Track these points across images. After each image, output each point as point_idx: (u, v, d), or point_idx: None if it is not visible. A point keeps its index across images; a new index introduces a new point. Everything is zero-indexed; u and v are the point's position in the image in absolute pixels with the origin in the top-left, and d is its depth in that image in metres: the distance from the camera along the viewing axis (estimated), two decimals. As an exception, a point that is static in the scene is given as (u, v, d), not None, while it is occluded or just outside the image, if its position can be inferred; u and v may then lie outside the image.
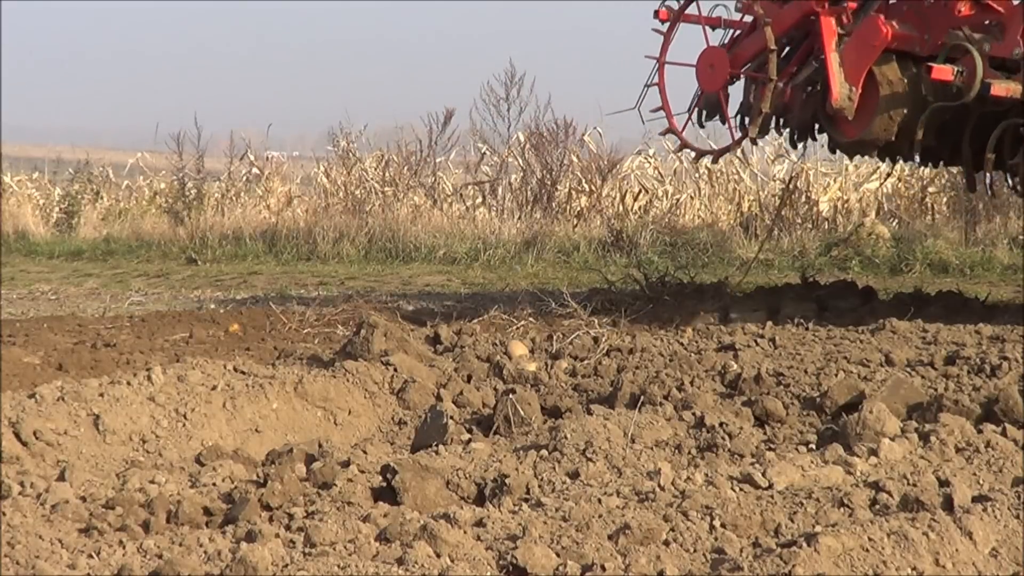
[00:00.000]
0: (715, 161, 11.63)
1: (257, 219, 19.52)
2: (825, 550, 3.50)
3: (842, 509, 4.06)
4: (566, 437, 5.07)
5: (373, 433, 6.36)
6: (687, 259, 15.36)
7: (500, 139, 20.56)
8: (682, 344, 7.85)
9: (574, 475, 4.71)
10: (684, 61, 10.02)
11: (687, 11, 10.08)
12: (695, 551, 3.77)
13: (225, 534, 4.01)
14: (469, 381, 6.97)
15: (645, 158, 20.91)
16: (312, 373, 6.66)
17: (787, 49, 9.71)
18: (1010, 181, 10.00)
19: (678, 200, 19.72)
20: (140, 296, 13.82)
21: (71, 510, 4.27)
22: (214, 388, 6.18)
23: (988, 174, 9.37)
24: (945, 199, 18.51)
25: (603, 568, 3.55)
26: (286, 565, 3.60)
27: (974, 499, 4.09)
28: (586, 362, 7.31)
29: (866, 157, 11.05)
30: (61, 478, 4.73)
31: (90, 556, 3.81)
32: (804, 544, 3.54)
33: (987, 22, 8.84)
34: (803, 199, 18.79)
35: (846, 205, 18.97)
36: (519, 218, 18.61)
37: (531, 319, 9.75)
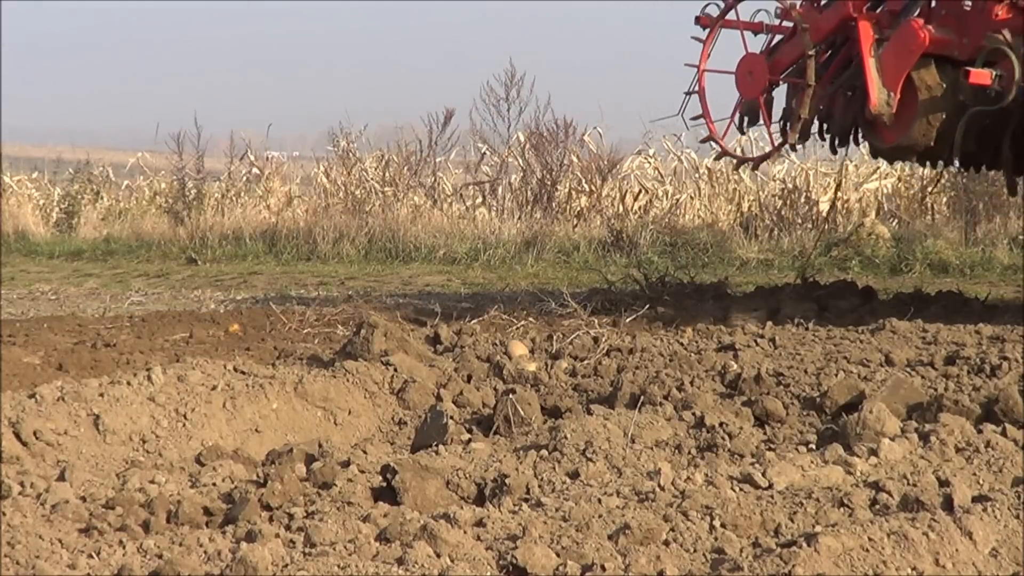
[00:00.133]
0: (755, 168, 11.57)
1: (257, 219, 19.51)
2: (825, 550, 3.50)
3: (842, 509, 4.06)
4: (566, 437, 5.07)
5: (373, 433, 6.36)
6: (687, 259, 15.36)
7: (500, 139, 20.56)
8: (682, 344, 7.85)
9: (574, 475, 4.71)
10: (723, 68, 10.03)
11: (727, 17, 10.06)
12: (695, 551, 3.77)
13: (225, 534, 4.01)
14: (469, 381, 6.96)
15: (645, 158, 20.91)
16: (312, 373, 6.66)
17: (828, 54, 9.69)
18: None
19: (678, 200, 19.72)
20: (140, 296, 13.82)
21: (71, 510, 4.27)
22: (214, 388, 6.18)
23: None
24: (945, 199, 18.51)
25: (603, 568, 3.55)
26: (286, 565, 3.60)
27: (974, 499, 4.09)
28: (586, 362, 7.31)
29: (895, 160, 11.02)
30: (61, 478, 4.73)
31: (90, 556, 3.81)
32: (804, 544, 3.54)
33: None
34: (803, 199, 18.79)
35: (846, 205, 18.96)
36: (519, 218, 18.60)
37: (531, 319, 9.75)
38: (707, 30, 10.11)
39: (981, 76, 8.68)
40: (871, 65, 9.16)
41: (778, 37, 9.93)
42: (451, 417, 5.84)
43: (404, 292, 13.57)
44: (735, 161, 10.76)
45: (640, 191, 20.14)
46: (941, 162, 10.13)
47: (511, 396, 5.99)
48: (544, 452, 4.99)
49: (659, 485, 4.32)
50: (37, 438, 5.43)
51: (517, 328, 9.19)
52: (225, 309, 11.98)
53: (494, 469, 4.69)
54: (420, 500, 4.43)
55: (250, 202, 20.90)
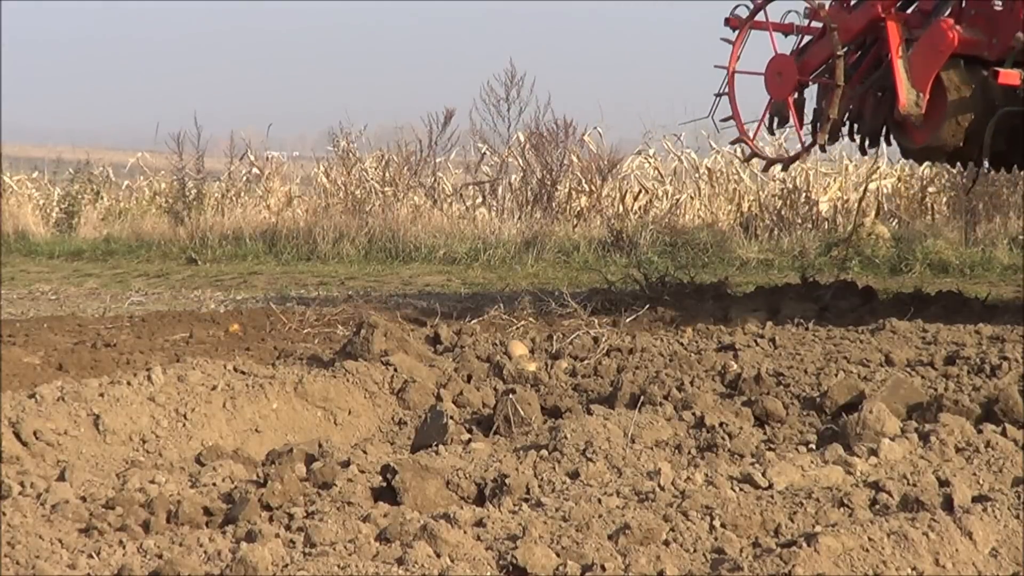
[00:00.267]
0: (784, 169, 11.52)
1: (257, 219, 19.51)
2: (825, 550, 3.50)
3: (842, 509, 4.06)
4: (566, 437, 5.07)
5: (373, 433, 6.36)
6: (687, 259, 15.36)
7: (500, 139, 20.57)
8: (682, 344, 7.85)
9: (574, 475, 4.71)
10: (752, 69, 10.02)
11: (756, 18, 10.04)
12: (695, 551, 3.77)
13: (225, 534, 4.01)
14: (469, 381, 6.96)
15: (645, 158, 20.91)
16: (312, 373, 6.66)
17: (858, 55, 9.67)
18: None
19: (678, 200, 19.72)
20: (140, 296, 13.82)
21: (71, 510, 4.27)
22: (214, 388, 6.17)
23: None
24: (945, 199, 18.51)
25: (603, 568, 3.55)
26: (286, 565, 3.60)
27: (974, 499, 4.09)
28: (586, 362, 7.31)
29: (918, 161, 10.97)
30: (61, 478, 4.73)
31: (90, 556, 3.81)
32: (804, 544, 3.54)
33: None
34: (803, 199, 18.79)
35: (846, 205, 18.96)
36: (519, 218, 18.60)
37: (531, 319, 9.75)
38: (736, 31, 10.09)
39: (1010, 76, 8.67)
40: (900, 66, 9.13)
41: (808, 38, 9.90)
42: (451, 417, 5.84)
43: (404, 292, 13.57)
44: (764, 162, 10.72)
45: (640, 191, 20.14)
46: (971, 163, 10.10)
47: (511, 396, 5.99)
48: (544, 452, 4.99)
49: (659, 485, 4.32)
50: (37, 438, 5.43)
51: (517, 328, 9.19)
52: (225, 309, 11.98)
53: (494, 469, 4.69)
54: (420, 500, 4.43)
55: (250, 202, 20.91)
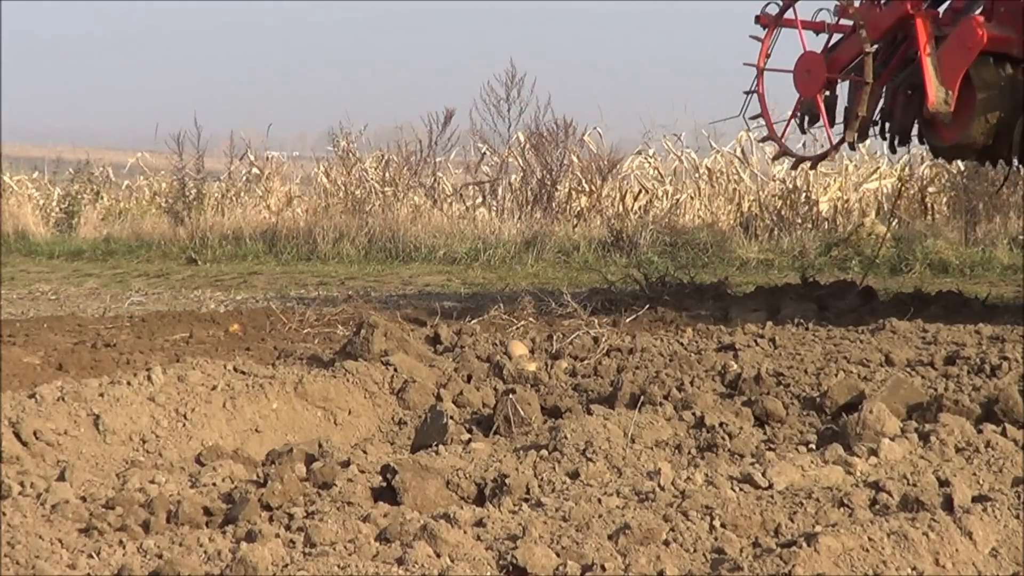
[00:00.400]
0: (813, 167, 11.49)
1: (257, 219, 19.53)
2: (825, 550, 3.50)
3: (842, 509, 4.06)
4: (566, 437, 5.07)
5: (373, 433, 6.36)
6: (687, 259, 15.37)
7: (500, 139, 20.59)
8: (682, 344, 7.85)
9: (574, 475, 4.71)
10: (782, 67, 10.00)
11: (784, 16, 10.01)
12: (695, 551, 3.77)
13: (225, 534, 4.01)
14: (469, 381, 6.96)
15: (645, 158, 20.92)
16: (312, 373, 6.66)
17: (887, 52, 9.64)
18: None
19: (678, 200, 19.73)
20: (140, 296, 13.83)
21: (71, 510, 4.27)
22: (214, 388, 6.17)
23: None
24: (945, 199, 18.51)
25: (603, 568, 3.55)
26: (286, 565, 3.60)
27: (974, 499, 4.09)
28: (586, 362, 7.31)
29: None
30: (61, 478, 4.73)
31: (90, 556, 3.81)
32: (804, 544, 3.54)
33: None
34: (803, 199, 18.79)
35: (846, 205, 18.97)
36: (519, 218, 18.61)
37: (531, 319, 9.74)
38: (766, 29, 10.07)
39: None
40: (929, 63, 9.11)
41: (838, 35, 9.87)
42: (451, 417, 5.84)
43: (404, 292, 13.57)
44: (793, 160, 10.69)
45: (640, 191, 20.15)
46: (1000, 161, 10.08)
47: (511, 396, 5.99)
48: (544, 452, 4.99)
49: (659, 485, 4.32)
50: (37, 438, 5.43)
51: (517, 328, 9.18)
52: (225, 309, 11.98)
53: (494, 469, 4.69)
54: (420, 500, 4.43)
55: (250, 202, 20.92)
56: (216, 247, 18.00)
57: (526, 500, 4.35)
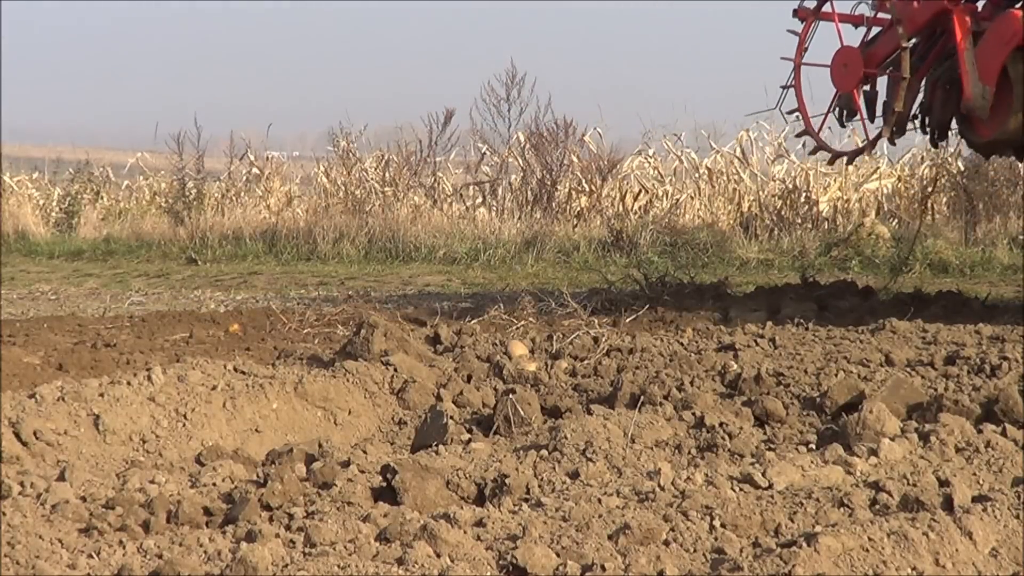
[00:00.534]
0: (850, 162, 11.45)
1: (257, 219, 19.53)
2: (825, 550, 3.50)
3: (842, 509, 4.06)
4: (566, 437, 5.07)
5: (373, 433, 6.36)
6: (687, 259, 15.37)
7: (500, 139, 20.60)
8: (682, 344, 7.85)
9: (574, 475, 4.71)
10: (819, 62, 9.96)
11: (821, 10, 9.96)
12: (695, 551, 3.77)
13: (225, 534, 4.01)
14: (469, 381, 6.96)
15: (645, 158, 20.92)
16: (312, 373, 6.66)
17: (925, 47, 9.58)
18: None
19: (678, 200, 19.74)
20: (140, 296, 13.83)
21: (71, 510, 4.27)
22: (214, 388, 6.17)
23: None
24: (945, 199, 18.52)
25: (603, 568, 3.55)
26: (286, 565, 3.60)
27: (974, 499, 4.09)
28: (586, 362, 7.31)
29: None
30: (61, 478, 4.73)
31: (90, 556, 3.81)
32: (804, 544, 3.54)
33: None
34: (803, 199, 18.80)
35: (846, 205, 18.97)
36: (519, 218, 18.62)
37: (531, 319, 9.75)
38: (803, 22, 10.02)
39: None
40: (966, 58, 9.06)
41: (876, 29, 9.82)
42: (451, 417, 5.84)
43: (404, 292, 13.57)
44: (829, 156, 10.64)
45: (640, 191, 20.16)
46: None
47: (511, 396, 5.99)
48: (544, 452, 4.99)
49: (659, 485, 4.32)
50: (37, 438, 5.43)
51: (517, 328, 9.18)
52: (225, 309, 11.98)
53: (494, 469, 4.69)
54: (420, 500, 4.43)
55: (250, 202, 20.93)
56: (216, 247, 18.00)
57: (526, 500, 4.35)
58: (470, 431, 5.87)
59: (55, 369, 7.70)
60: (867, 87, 9.78)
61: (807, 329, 8.41)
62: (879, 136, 9.80)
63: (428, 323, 9.08)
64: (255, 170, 22.08)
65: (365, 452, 5.12)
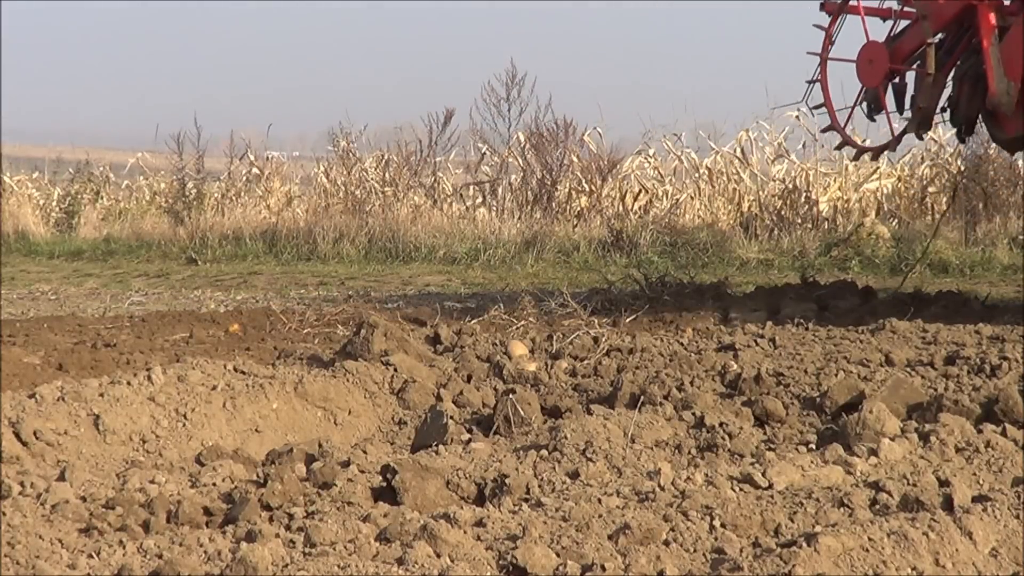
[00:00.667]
0: (875, 158, 11.43)
1: (257, 219, 19.53)
2: (825, 550, 3.50)
3: (842, 509, 4.06)
4: (566, 437, 5.07)
5: (373, 433, 6.36)
6: (687, 259, 15.38)
7: (500, 139, 20.59)
8: (682, 344, 7.85)
9: (574, 475, 4.71)
10: (845, 56, 9.93)
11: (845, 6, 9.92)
12: (695, 551, 3.77)
13: (225, 534, 4.01)
14: (469, 381, 6.96)
15: (645, 158, 20.92)
16: (312, 373, 6.66)
17: (951, 42, 9.54)
18: None
19: (678, 200, 19.73)
20: (140, 296, 13.83)
21: (71, 510, 4.27)
22: (214, 388, 6.17)
23: None
24: (945, 199, 18.51)
25: (603, 568, 3.55)
26: (286, 565, 3.60)
27: (974, 499, 4.09)
28: (586, 362, 7.31)
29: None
30: (61, 478, 4.73)
31: (90, 556, 3.80)
32: (804, 544, 3.54)
33: None
34: (803, 199, 18.79)
35: (846, 205, 18.96)
36: (519, 218, 18.61)
37: (531, 319, 9.75)
38: (830, 17, 9.99)
39: None
40: (992, 54, 9.01)
41: (904, 24, 9.78)
42: (451, 417, 5.84)
43: (404, 292, 13.57)
44: (855, 151, 10.60)
45: (640, 191, 20.15)
46: None
47: (511, 396, 5.99)
48: (544, 452, 4.99)
49: (659, 485, 4.32)
50: (37, 438, 5.43)
51: (517, 328, 9.19)
52: (225, 309, 11.98)
53: (494, 469, 4.69)
54: (420, 500, 4.43)
55: (250, 202, 20.93)
56: (216, 247, 18.00)
57: (526, 500, 4.35)
58: (470, 431, 5.87)
59: (55, 369, 7.70)
60: (896, 79, 9.74)
61: (807, 329, 8.41)
62: (904, 132, 9.76)
63: (428, 323, 9.08)
64: (255, 170, 22.08)
65: (365, 452, 5.12)
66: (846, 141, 10.35)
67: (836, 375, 6.57)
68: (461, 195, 20.53)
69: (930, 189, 18.85)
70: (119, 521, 4.23)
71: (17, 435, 5.39)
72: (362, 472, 4.66)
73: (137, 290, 14.53)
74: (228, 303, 12.76)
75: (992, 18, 9.08)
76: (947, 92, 9.68)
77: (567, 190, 19.78)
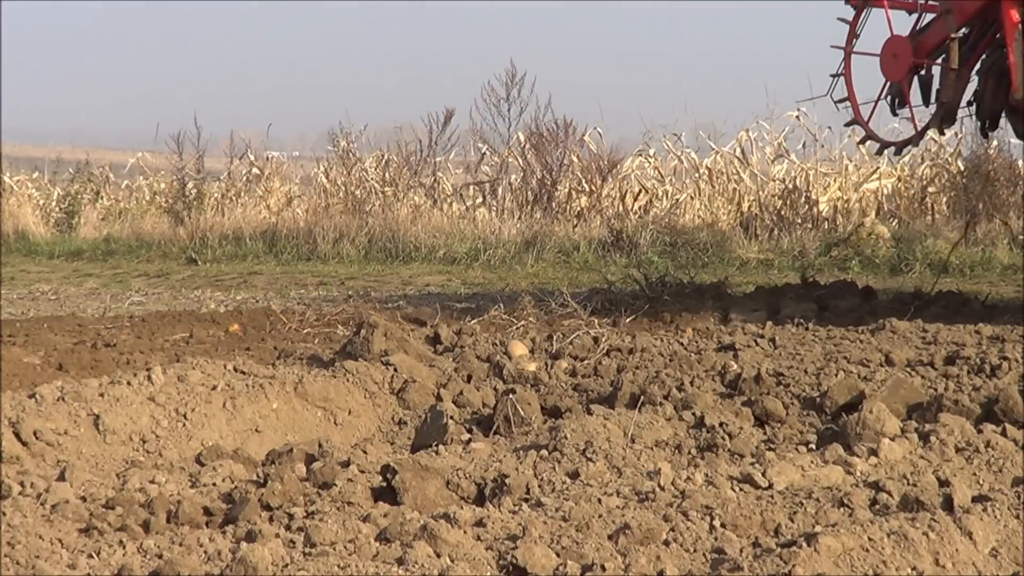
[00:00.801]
0: (898, 153, 11.44)
1: (257, 219, 19.52)
2: (825, 550, 3.50)
3: (842, 509, 4.06)
4: (566, 437, 5.07)
5: (373, 433, 6.36)
6: (687, 259, 15.37)
7: (500, 139, 20.58)
8: (682, 344, 7.85)
9: (574, 475, 4.71)
10: (869, 51, 9.89)
11: None
12: (695, 551, 3.77)
13: (225, 534, 4.01)
14: (469, 381, 6.96)
15: (645, 158, 20.92)
16: (312, 373, 6.66)
17: (976, 37, 9.51)
18: None
19: (678, 200, 19.73)
20: (140, 296, 13.82)
21: (71, 510, 4.27)
22: (214, 388, 6.17)
23: None
24: (945, 199, 18.51)
25: (603, 568, 3.55)
26: (286, 565, 3.60)
27: (974, 499, 4.09)
28: (586, 362, 7.31)
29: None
30: (61, 478, 4.73)
31: (90, 556, 3.81)
32: (804, 544, 3.54)
33: None
34: (803, 199, 18.79)
35: (846, 205, 18.96)
36: (519, 218, 18.61)
37: (531, 319, 9.74)
38: (855, 10, 9.97)
39: None
40: (1016, 49, 8.98)
41: (928, 18, 9.75)
42: (451, 417, 5.84)
43: (404, 292, 13.57)
44: (878, 145, 10.56)
45: (640, 191, 20.15)
46: None
47: (511, 396, 5.99)
48: (544, 452, 4.99)
49: (659, 485, 4.32)
50: (37, 438, 5.43)
51: (517, 328, 9.18)
52: (225, 309, 11.98)
53: (494, 469, 4.69)
54: (420, 500, 4.43)
55: (250, 202, 20.92)
56: (216, 247, 17.99)
57: (526, 500, 4.35)
58: (470, 431, 5.87)
59: (55, 369, 7.70)
60: (922, 71, 9.71)
61: (807, 329, 8.41)
62: (927, 126, 9.74)
63: (428, 323, 9.08)
64: (255, 170, 22.07)
65: (365, 452, 5.12)
66: (869, 135, 10.32)
67: (836, 375, 6.57)
68: (461, 195, 20.52)
69: (930, 189, 18.84)
70: (119, 521, 4.23)
71: (17, 435, 5.39)
72: (362, 472, 4.66)
73: (137, 290, 14.53)
74: (228, 303, 12.76)
75: (1015, 14, 9.05)
76: (972, 87, 9.65)
77: (567, 190, 19.77)
